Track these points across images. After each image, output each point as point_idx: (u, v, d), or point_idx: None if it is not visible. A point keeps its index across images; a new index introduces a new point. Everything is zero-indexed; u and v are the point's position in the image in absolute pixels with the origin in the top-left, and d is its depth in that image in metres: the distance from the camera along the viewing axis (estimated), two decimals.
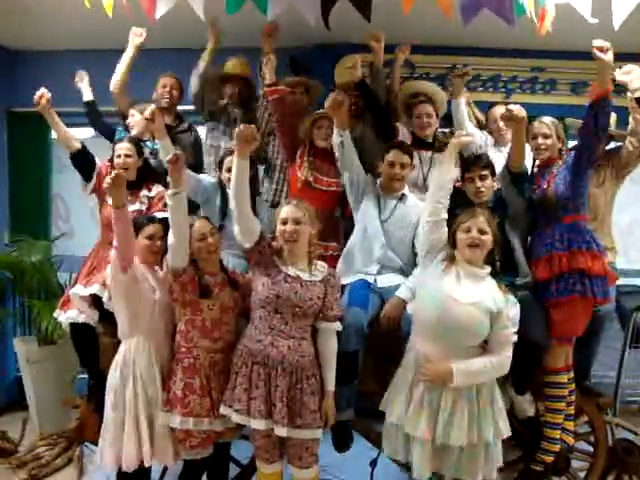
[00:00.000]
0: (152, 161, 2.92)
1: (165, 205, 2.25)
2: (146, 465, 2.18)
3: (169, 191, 2.13)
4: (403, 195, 2.58)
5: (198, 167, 3.26)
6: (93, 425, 2.50)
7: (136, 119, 3.01)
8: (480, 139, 2.99)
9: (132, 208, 2.51)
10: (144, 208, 2.71)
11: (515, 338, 2.09)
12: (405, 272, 2.51)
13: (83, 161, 2.74)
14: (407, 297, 2.37)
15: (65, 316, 2.69)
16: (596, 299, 2.36)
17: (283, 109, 2.88)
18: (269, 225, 2.33)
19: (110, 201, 2.11)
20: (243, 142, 2.06)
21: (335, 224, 2.88)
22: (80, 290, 2.63)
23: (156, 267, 2.33)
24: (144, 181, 2.76)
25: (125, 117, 3.11)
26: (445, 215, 2.20)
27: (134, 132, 3.01)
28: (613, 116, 2.60)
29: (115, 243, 2.14)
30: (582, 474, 2.76)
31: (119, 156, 2.65)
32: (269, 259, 2.16)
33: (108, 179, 2.04)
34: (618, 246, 2.77)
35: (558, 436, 2.51)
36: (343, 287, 2.44)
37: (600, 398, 2.73)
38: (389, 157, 2.52)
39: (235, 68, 3.12)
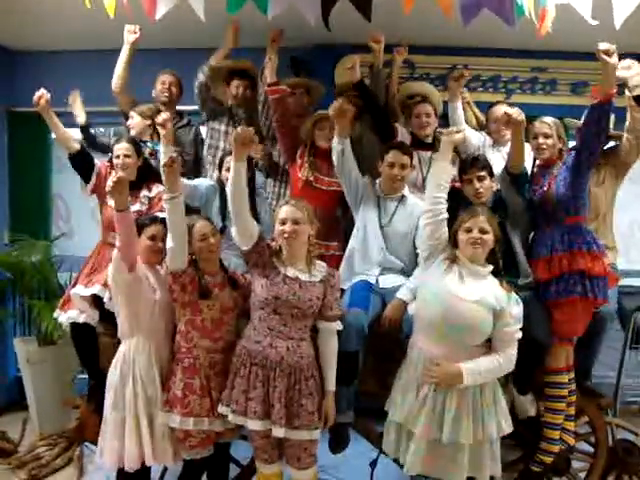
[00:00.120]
0: (152, 161, 2.92)
1: None
2: (147, 465, 2.19)
3: (165, 195, 2.13)
4: (403, 196, 2.58)
5: (198, 163, 3.27)
6: (93, 425, 2.50)
7: (136, 121, 3.02)
8: (478, 140, 3.00)
9: (132, 209, 2.50)
10: (144, 208, 2.70)
11: (519, 335, 2.09)
12: (407, 273, 2.50)
13: (82, 162, 2.74)
14: (408, 298, 2.37)
15: (65, 316, 2.69)
16: (597, 300, 2.37)
17: (284, 109, 2.88)
18: (269, 226, 2.34)
19: (111, 202, 2.11)
20: (240, 144, 2.06)
21: (336, 224, 2.88)
22: (81, 290, 2.63)
23: (157, 267, 2.33)
24: (144, 181, 2.75)
25: (127, 117, 3.11)
26: (445, 215, 2.20)
27: (133, 133, 3.00)
28: (611, 116, 2.60)
29: (118, 244, 2.14)
30: (582, 474, 2.76)
31: (118, 156, 2.65)
32: (268, 260, 2.16)
33: (110, 182, 2.04)
34: (618, 246, 2.77)
35: (557, 437, 2.51)
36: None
37: (601, 399, 2.73)
38: (389, 158, 2.52)
39: (245, 63, 3.10)
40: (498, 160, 2.72)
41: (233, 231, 2.16)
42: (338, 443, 2.38)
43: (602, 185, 2.70)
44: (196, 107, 3.21)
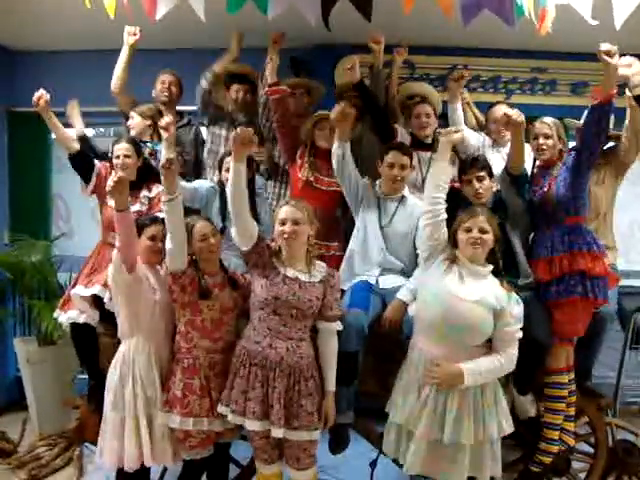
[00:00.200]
0: (152, 161, 2.92)
1: None
2: (147, 465, 2.19)
3: (163, 197, 2.13)
4: (403, 197, 2.58)
5: (198, 163, 3.27)
6: (93, 425, 2.49)
7: (136, 121, 3.02)
8: (478, 140, 3.00)
9: (132, 209, 2.50)
10: (144, 209, 2.70)
11: (520, 335, 2.08)
12: (407, 274, 2.50)
13: (82, 162, 2.73)
14: (408, 299, 2.36)
15: (66, 316, 2.69)
16: (597, 300, 2.37)
17: (284, 109, 2.88)
18: (269, 227, 2.34)
19: (111, 203, 2.11)
20: (240, 145, 2.05)
21: (336, 224, 2.88)
22: (81, 290, 2.63)
23: (157, 267, 2.33)
24: (144, 182, 2.75)
25: (127, 117, 3.11)
26: (444, 216, 2.20)
27: (133, 133, 3.00)
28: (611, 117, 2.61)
29: (118, 244, 2.14)
30: (582, 475, 2.76)
31: (118, 157, 2.64)
32: (267, 260, 2.16)
33: (110, 182, 2.03)
34: (618, 246, 2.77)
35: (557, 437, 2.51)
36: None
37: (600, 399, 2.73)
38: (388, 158, 2.52)
39: (245, 67, 3.11)
40: (498, 161, 2.72)
41: (233, 231, 2.16)
42: (338, 443, 2.38)
43: (602, 184, 2.70)
44: (196, 107, 3.21)
